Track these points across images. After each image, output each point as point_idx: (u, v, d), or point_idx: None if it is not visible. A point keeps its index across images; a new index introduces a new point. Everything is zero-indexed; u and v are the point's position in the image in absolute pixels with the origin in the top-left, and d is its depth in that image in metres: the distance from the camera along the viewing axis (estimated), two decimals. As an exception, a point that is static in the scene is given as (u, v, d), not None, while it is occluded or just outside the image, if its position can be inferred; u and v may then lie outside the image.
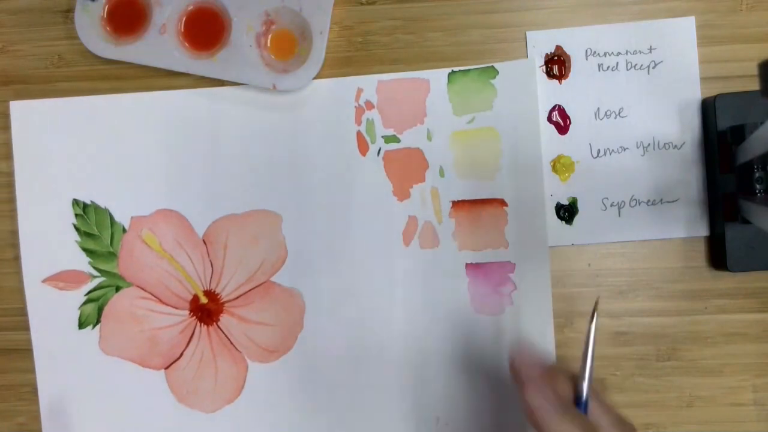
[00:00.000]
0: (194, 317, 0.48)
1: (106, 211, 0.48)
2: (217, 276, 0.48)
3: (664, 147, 0.46)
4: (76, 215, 0.48)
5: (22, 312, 0.48)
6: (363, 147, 0.47)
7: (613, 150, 0.46)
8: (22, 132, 0.48)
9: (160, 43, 0.46)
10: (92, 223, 0.48)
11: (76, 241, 0.48)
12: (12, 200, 0.48)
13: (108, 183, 0.48)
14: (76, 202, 0.48)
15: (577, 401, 0.36)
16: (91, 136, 0.48)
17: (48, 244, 0.48)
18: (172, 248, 0.48)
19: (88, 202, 0.48)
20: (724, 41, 0.46)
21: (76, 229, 0.48)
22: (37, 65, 0.48)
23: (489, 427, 0.47)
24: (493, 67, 0.46)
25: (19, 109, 0.48)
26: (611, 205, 0.46)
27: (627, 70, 0.46)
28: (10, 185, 0.48)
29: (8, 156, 0.48)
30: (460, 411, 0.47)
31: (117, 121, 0.48)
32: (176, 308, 0.48)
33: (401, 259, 0.46)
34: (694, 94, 0.46)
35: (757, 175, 0.42)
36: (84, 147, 0.48)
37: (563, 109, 0.46)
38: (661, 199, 0.46)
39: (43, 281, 0.48)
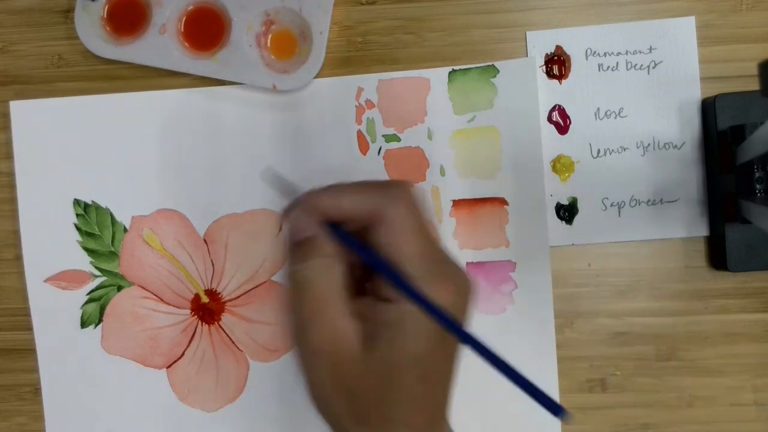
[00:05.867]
0: (196, 316, 0.48)
1: (107, 210, 0.48)
2: (219, 275, 0.48)
3: (664, 147, 0.46)
4: (77, 215, 0.48)
5: (24, 312, 0.48)
6: (363, 146, 0.47)
7: (613, 150, 0.46)
8: (22, 132, 0.48)
9: (160, 43, 0.46)
10: (93, 223, 0.48)
11: (78, 241, 0.48)
12: (13, 200, 0.48)
13: (109, 183, 0.48)
14: (77, 202, 0.48)
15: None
16: (92, 136, 0.48)
17: (49, 244, 0.48)
18: (173, 248, 0.48)
19: (89, 201, 0.48)
20: (724, 41, 0.46)
21: (77, 228, 0.48)
22: (37, 65, 0.48)
23: (491, 423, 0.47)
24: (493, 65, 0.46)
25: (19, 109, 0.48)
26: (611, 205, 0.46)
27: (627, 70, 0.46)
28: (11, 185, 0.48)
29: (8, 156, 0.48)
30: (461, 408, 0.47)
31: (117, 120, 0.48)
32: (178, 307, 0.48)
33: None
34: (694, 94, 0.46)
35: (757, 175, 0.42)
36: (84, 147, 0.48)
37: (563, 109, 0.47)
38: (661, 199, 0.46)
39: (45, 281, 0.48)
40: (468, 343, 0.34)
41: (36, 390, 0.49)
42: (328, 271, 0.35)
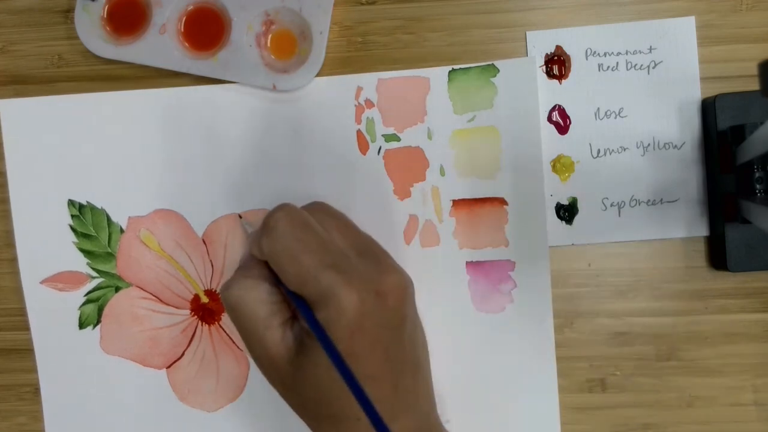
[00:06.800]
0: (195, 317, 0.48)
1: (102, 211, 0.48)
2: (218, 275, 0.48)
3: (664, 147, 0.46)
4: (72, 216, 0.48)
5: (22, 312, 0.48)
6: (363, 146, 0.47)
7: (613, 150, 0.46)
8: (13, 131, 0.48)
9: (160, 43, 0.46)
10: (89, 224, 0.48)
11: (73, 242, 0.48)
12: (7, 200, 0.48)
13: (104, 183, 0.48)
14: (71, 203, 0.48)
15: None
16: (85, 135, 0.48)
17: (45, 246, 0.48)
18: (172, 248, 0.48)
19: (83, 202, 0.48)
20: (724, 41, 0.46)
21: (73, 230, 0.48)
22: (37, 65, 0.48)
23: (491, 423, 0.47)
24: (493, 65, 0.46)
25: (9, 108, 0.48)
26: (611, 205, 0.46)
27: (627, 70, 0.46)
28: (4, 185, 0.48)
29: (2, 156, 0.48)
30: (461, 408, 0.47)
31: (112, 119, 0.48)
32: (177, 308, 0.48)
33: (402, 257, 0.46)
34: (694, 94, 0.46)
35: (757, 175, 0.42)
36: (78, 146, 0.48)
37: (563, 109, 0.47)
38: (661, 199, 0.46)
39: (42, 282, 0.48)
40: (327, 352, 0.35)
41: (36, 390, 0.49)
42: (253, 288, 0.38)
